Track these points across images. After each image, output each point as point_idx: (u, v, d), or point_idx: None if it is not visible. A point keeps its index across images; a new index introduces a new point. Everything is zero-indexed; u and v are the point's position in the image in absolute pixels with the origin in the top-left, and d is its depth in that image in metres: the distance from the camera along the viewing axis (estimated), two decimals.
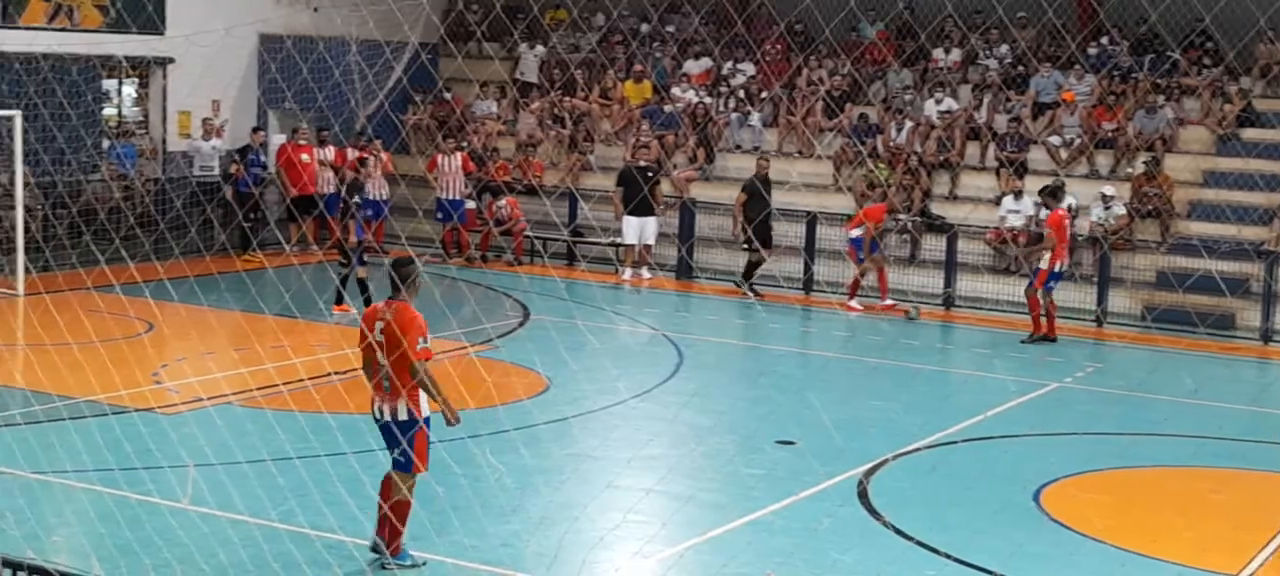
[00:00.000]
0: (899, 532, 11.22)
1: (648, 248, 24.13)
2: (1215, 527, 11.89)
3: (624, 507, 11.29)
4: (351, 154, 24.92)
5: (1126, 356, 19.47)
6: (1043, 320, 19.67)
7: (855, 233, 21.75)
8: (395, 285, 9.88)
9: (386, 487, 9.89)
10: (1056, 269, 19.56)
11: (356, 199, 19.31)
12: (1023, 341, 19.61)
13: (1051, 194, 20.37)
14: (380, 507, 9.83)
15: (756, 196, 22.59)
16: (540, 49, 29.08)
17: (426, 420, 9.85)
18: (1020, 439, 14.52)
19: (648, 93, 27.54)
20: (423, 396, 9.78)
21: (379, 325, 9.78)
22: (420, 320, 9.76)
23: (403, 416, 9.75)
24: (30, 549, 9.18)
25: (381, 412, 9.85)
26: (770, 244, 22.79)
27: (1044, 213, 20.52)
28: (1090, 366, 18.55)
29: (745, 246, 22.70)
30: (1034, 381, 17.16)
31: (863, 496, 12.14)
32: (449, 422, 9.85)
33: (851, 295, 21.87)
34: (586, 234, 25.44)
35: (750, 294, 22.56)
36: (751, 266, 22.77)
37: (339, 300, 19.17)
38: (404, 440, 9.74)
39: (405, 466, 9.80)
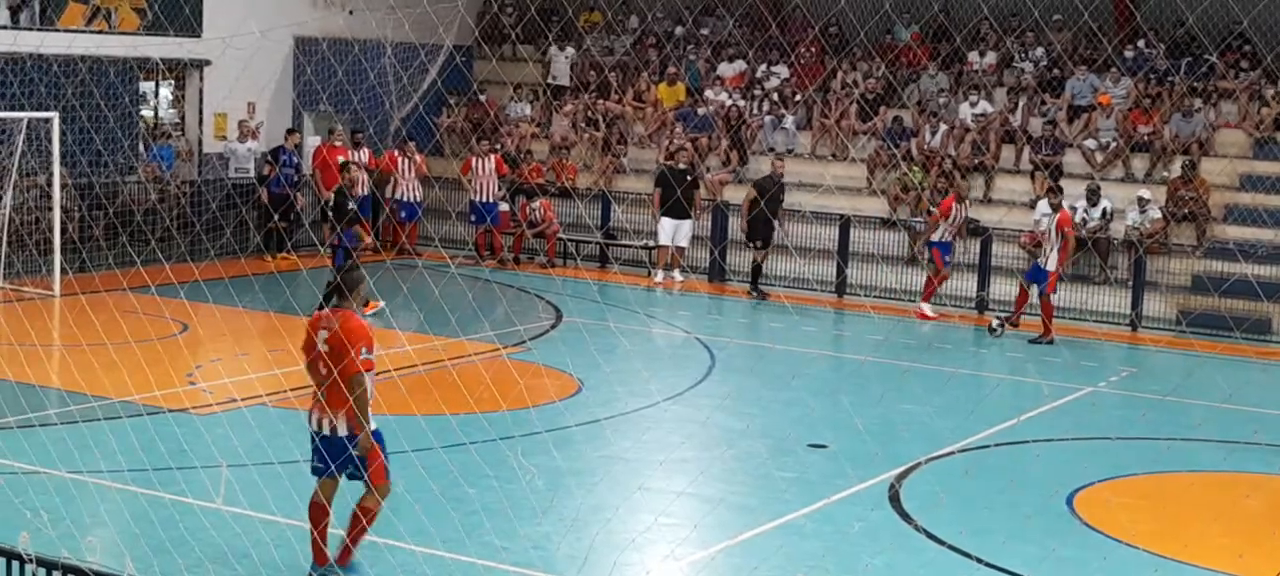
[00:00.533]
0: (931, 537, 11.18)
1: (680, 250, 24.13)
2: (1250, 533, 11.81)
3: (655, 510, 11.29)
4: (398, 154, 25.09)
5: (1161, 361, 19.36)
6: (1032, 318, 19.96)
7: (938, 237, 21.27)
8: (339, 293, 9.51)
9: (319, 508, 9.56)
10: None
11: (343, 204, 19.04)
12: (1032, 341, 19.63)
13: (1060, 194, 20.41)
14: (315, 533, 9.52)
15: (767, 197, 22.58)
16: (571, 51, 29.10)
17: (376, 433, 9.46)
18: (1054, 443, 14.45)
19: (681, 95, 27.55)
20: (368, 409, 9.37)
21: (323, 333, 9.43)
22: (367, 330, 9.40)
23: (341, 432, 9.36)
24: (65, 549, 9.23)
25: (320, 425, 9.45)
26: (769, 243, 22.79)
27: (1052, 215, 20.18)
28: (1125, 371, 18.47)
29: (754, 246, 22.74)
30: (1068, 385, 17.08)
31: (895, 500, 12.11)
32: (359, 447, 9.34)
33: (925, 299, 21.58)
34: (619, 236, 25.46)
35: (756, 294, 22.59)
36: (756, 267, 22.85)
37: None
38: (354, 456, 9.35)
39: (359, 477, 9.43)
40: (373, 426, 9.42)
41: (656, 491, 11.84)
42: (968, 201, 22.07)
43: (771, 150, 26.06)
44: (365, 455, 9.36)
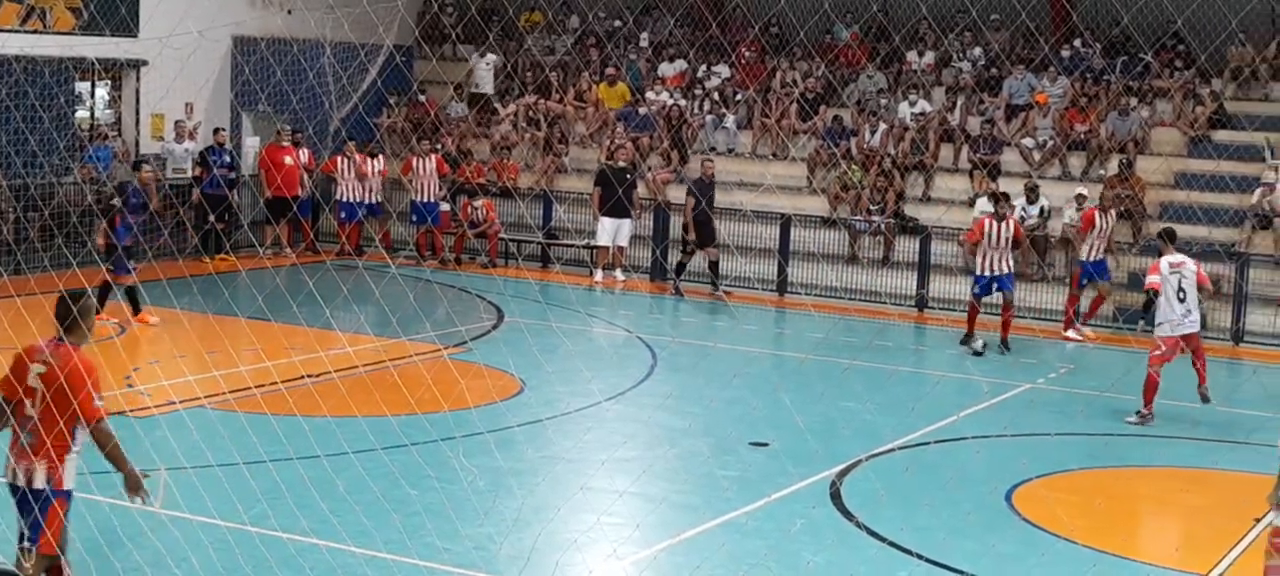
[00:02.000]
0: (872, 533, 11.25)
1: (621, 249, 24.13)
2: (1186, 527, 11.97)
3: (598, 509, 11.28)
4: (366, 158, 25.06)
5: (1098, 358, 19.54)
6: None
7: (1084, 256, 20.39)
8: (62, 323, 8.30)
9: None
10: None
11: (118, 201, 18.46)
12: (1000, 345, 19.60)
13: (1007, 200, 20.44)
14: None
15: (706, 199, 22.70)
16: (492, 57, 28.76)
17: (67, 493, 8.23)
18: (992, 439, 14.55)
19: (624, 95, 27.55)
20: (69, 465, 8.18)
21: (37, 369, 8.20)
22: (94, 369, 8.16)
23: (38, 484, 8.12)
24: (1, 554, 9.13)
25: (15, 476, 8.19)
26: (714, 241, 22.85)
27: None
28: (1063, 367, 18.63)
29: (686, 250, 22.83)
30: (1006, 382, 17.22)
31: (836, 497, 12.16)
32: (133, 493, 8.22)
33: (1067, 326, 20.70)
34: (561, 236, 25.44)
35: (720, 292, 22.71)
36: (712, 266, 22.94)
37: (136, 310, 18.42)
38: (37, 511, 8.14)
39: (34, 541, 8.19)
40: (67, 486, 8.23)
41: (599, 491, 11.84)
42: (1112, 212, 21.00)
43: (713, 150, 26.11)
44: (45, 520, 8.15)
